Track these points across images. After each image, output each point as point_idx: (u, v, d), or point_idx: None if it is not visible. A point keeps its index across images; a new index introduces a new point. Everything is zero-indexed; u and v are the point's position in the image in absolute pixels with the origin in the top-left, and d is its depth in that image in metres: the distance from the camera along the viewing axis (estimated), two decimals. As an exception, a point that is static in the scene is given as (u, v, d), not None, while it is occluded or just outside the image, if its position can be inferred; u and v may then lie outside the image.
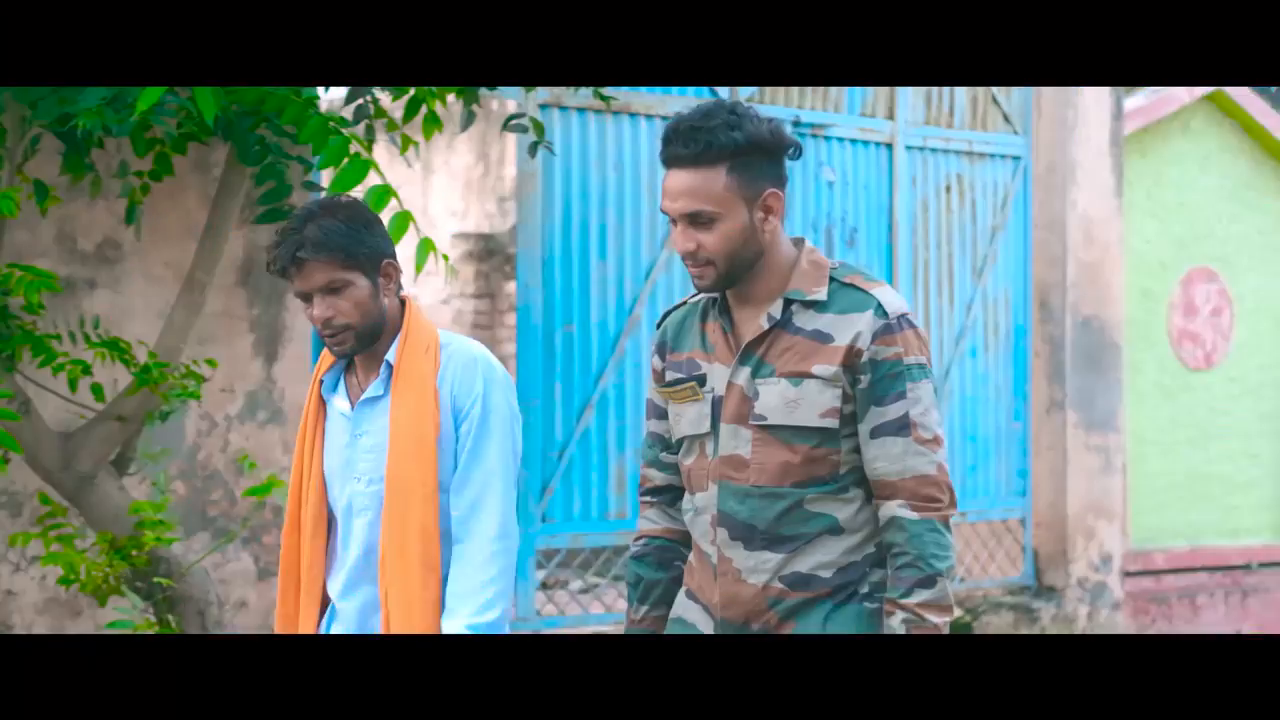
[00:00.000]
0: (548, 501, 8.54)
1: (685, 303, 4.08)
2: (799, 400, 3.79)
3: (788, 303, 3.85)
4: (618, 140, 8.72)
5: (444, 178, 14.95)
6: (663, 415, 4.07)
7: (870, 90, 9.69)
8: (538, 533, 8.52)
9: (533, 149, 7.01)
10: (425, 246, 5.37)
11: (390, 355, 4.28)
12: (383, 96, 6.59)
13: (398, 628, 4.18)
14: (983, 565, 10.37)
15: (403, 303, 4.37)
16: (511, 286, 13.37)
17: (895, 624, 3.75)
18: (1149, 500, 11.44)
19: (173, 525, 6.29)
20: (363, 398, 4.32)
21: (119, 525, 6.23)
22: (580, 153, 8.61)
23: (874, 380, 3.78)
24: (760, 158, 3.78)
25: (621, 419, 8.76)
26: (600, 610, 9.13)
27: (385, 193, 5.51)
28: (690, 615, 4.00)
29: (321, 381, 4.40)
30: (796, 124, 9.29)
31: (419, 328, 4.31)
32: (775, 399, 3.80)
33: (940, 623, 3.74)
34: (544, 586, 9.19)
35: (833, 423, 3.79)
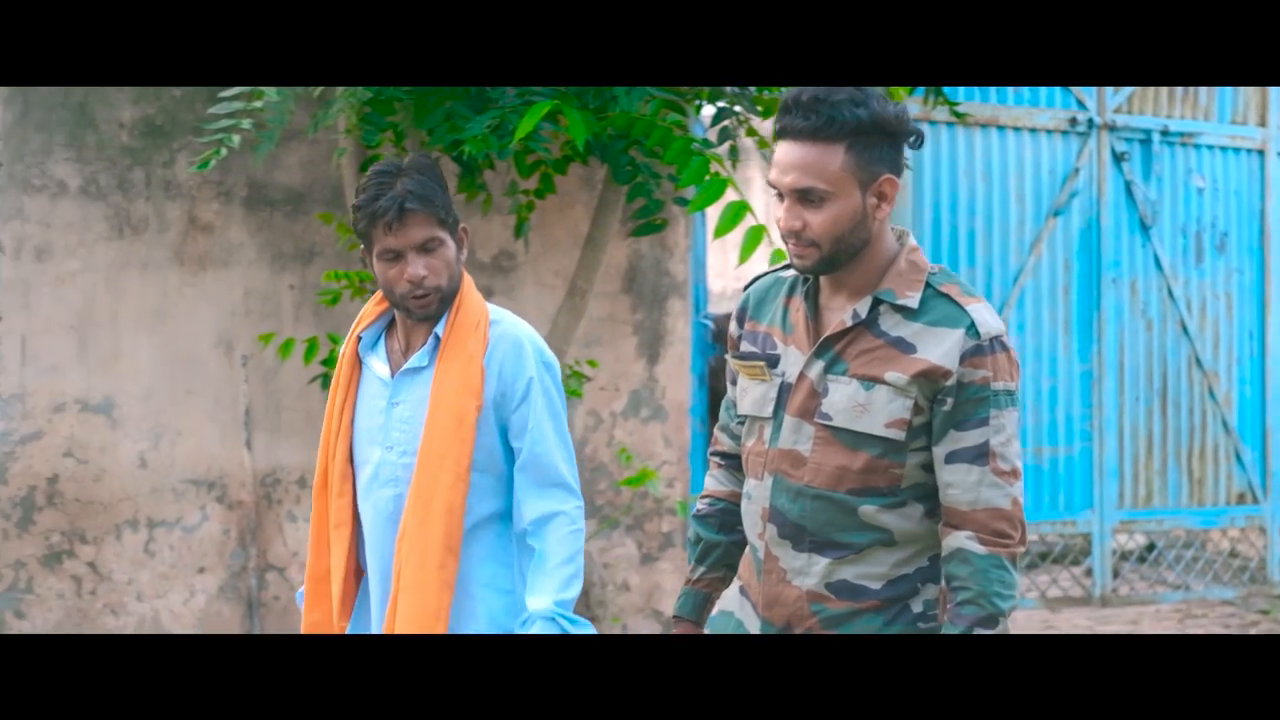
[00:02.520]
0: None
1: (774, 271, 3.86)
2: (867, 406, 3.59)
3: (876, 302, 3.61)
4: (985, 152, 9.21)
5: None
6: (736, 382, 3.85)
7: (1241, 99, 9.90)
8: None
9: (890, 164, 7.48)
10: (755, 234, 5.80)
11: (439, 328, 4.11)
12: (752, 118, 7.08)
13: (406, 605, 4.05)
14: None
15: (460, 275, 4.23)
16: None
17: None
18: None
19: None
20: (405, 366, 4.15)
21: (511, 512, 6.90)
22: (949, 164, 9.12)
23: (957, 404, 3.55)
24: (881, 140, 3.54)
25: (990, 417, 9.20)
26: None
27: (741, 208, 5.99)
28: (740, 613, 3.83)
29: (360, 339, 4.23)
30: (1165, 133, 9.60)
31: (471, 302, 4.15)
32: (843, 400, 3.61)
33: None
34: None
35: (898, 434, 3.58)
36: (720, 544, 3.94)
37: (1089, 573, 9.95)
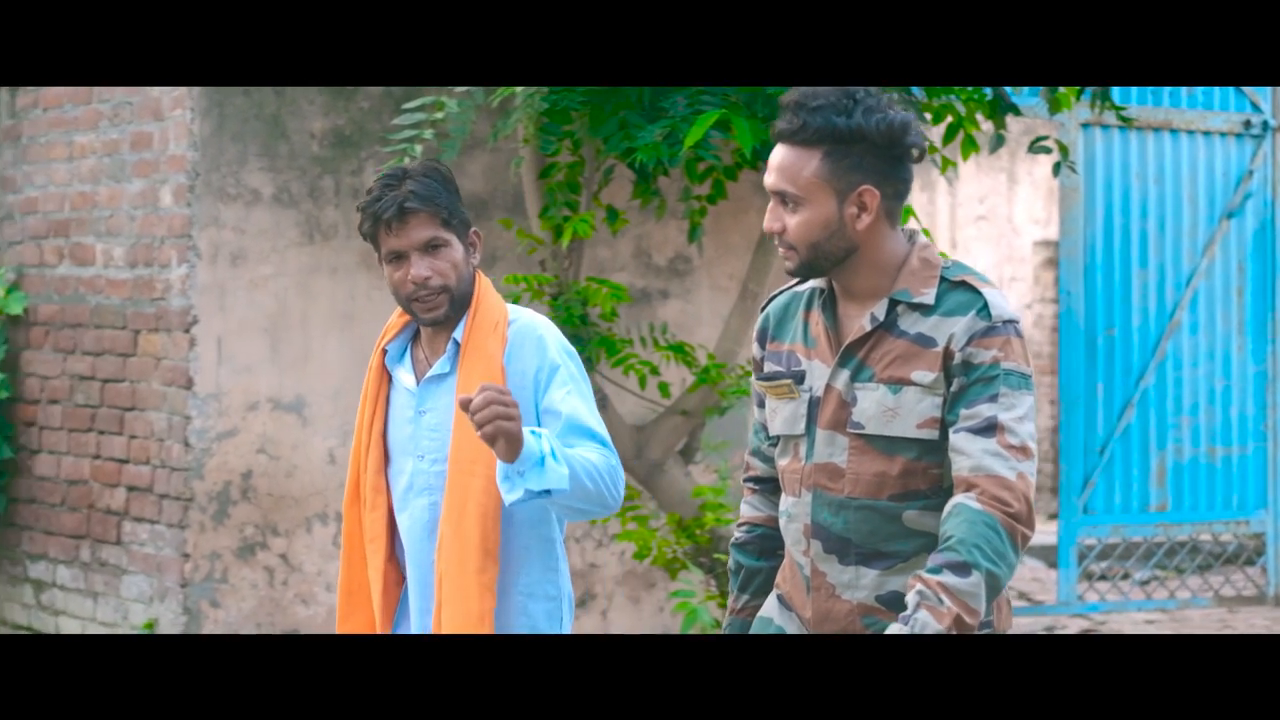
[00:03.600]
0: (1089, 494, 9.18)
1: (791, 288, 3.77)
2: (897, 409, 3.51)
3: (893, 304, 3.54)
4: (1158, 155, 9.32)
5: (1027, 187, 15.54)
6: (763, 404, 3.77)
7: None
8: (1079, 523, 9.17)
9: (1056, 168, 7.60)
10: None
11: (458, 333, 4.08)
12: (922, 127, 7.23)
13: (450, 612, 4.02)
14: None
15: (475, 277, 4.16)
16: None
17: (910, 595, 3.37)
18: None
19: (731, 508, 7.12)
20: (428, 374, 4.12)
21: (685, 507, 7.12)
22: (1121, 167, 9.23)
23: (967, 383, 3.46)
24: (864, 150, 3.47)
25: (1162, 417, 9.36)
26: (1140, 597, 9.70)
27: (904, 213, 6.16)
28: (781, 620, 3.74)
29: (385, 351, 4.20)
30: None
31: (489, 304, 4.10)
32: (873, 406, 3.52)
33: (954, 610, 3.31)
34: (1086, 575, 9.76)
35: (932, 434, 3.49)
36: (761, 570, 3.85)
37: (1264, 572, 9.98)
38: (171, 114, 7.51)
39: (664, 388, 7.12)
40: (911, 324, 3.52)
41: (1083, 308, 9.16)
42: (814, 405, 3.61)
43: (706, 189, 7.21)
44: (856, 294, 3.58)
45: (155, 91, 7.60)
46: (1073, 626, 9.43)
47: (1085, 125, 9.04)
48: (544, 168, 6.90)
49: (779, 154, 3.54)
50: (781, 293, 3.77)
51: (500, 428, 3.71)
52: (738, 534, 3.90)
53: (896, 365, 3.52)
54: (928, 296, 3.52)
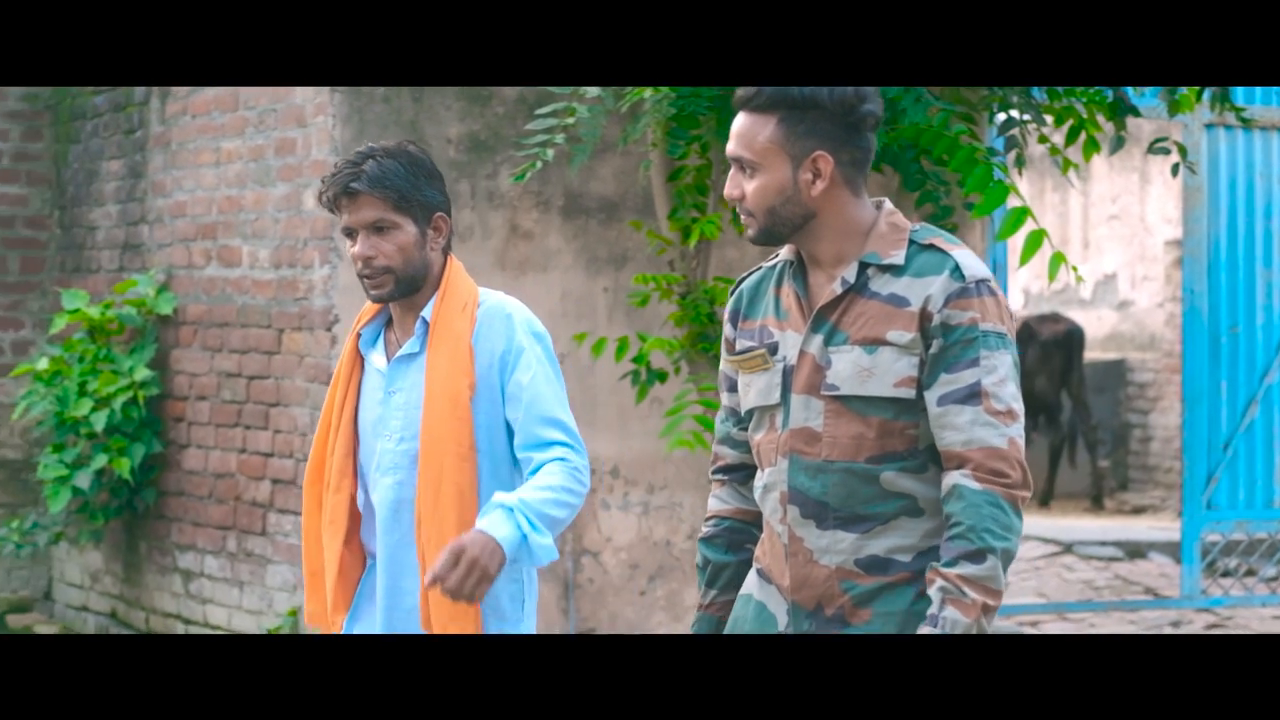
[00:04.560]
0: (1213, 490, 9.28)
1: (761, 267, 3.77)
2: (872, 369, 3.50)
3: (863, 266, 3.55)
4: (1283, 155, 9.40)
5: (1160, 187, 15.56)
6: (734, 388, 3.77)
7: None
8: (1203, 519, 9.28)
9: (1175, 169, 7.70)
10: (1056, 260, 6.18)
11: (426, 312, 4.16)
12: (1044, 129, 7.32)
13: (434, 593, 4.02)
14: None
15: (446, 260, 4.24)
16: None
17: (932, 592, 3.43)
18: None
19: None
20: (398, 354, 4.19)
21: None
22: (1245, 167, 9.33)
23: (945, 346, 3.47)
24: (817, 117, 3.51)
25: (1288, 414, 9.44)
26: (1265, 592, 9.79)
27: (1022, 214, 6.29)
28: (761, 595, 3.71)
29: (360, 335, 4.27)
30: None
31: (457, 286, 4.18)
32: (848, 368, 3.52)
33: (979, 600, 3.40)
34: (1210, 570, 9.85)
35: (908, 392, 3.49)
36: (729, 564, 3.83)
37: None
38: (314, 120, 7.73)
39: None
40: (883, 285, 3.54)
41: (1206, 306, 9.28)
42: (788, 373, 3.60)
43: (832, 190, 7.32)
44: (823, 261, 3.60)
45: (298, 99, 7.83)
46: (1198, 621, 9.51)
47: (1209, 126, 9.17)
48: (672, 171, 7.05)
49: (737, 121, 3.58)
50: (752, 273, 3.79)
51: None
52: (705, 528, 3.88)
53: (871, 326, 3.53)
54: (897, 258, 3.54)
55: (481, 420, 4.13)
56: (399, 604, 4.18)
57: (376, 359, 4.24)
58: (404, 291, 4.14)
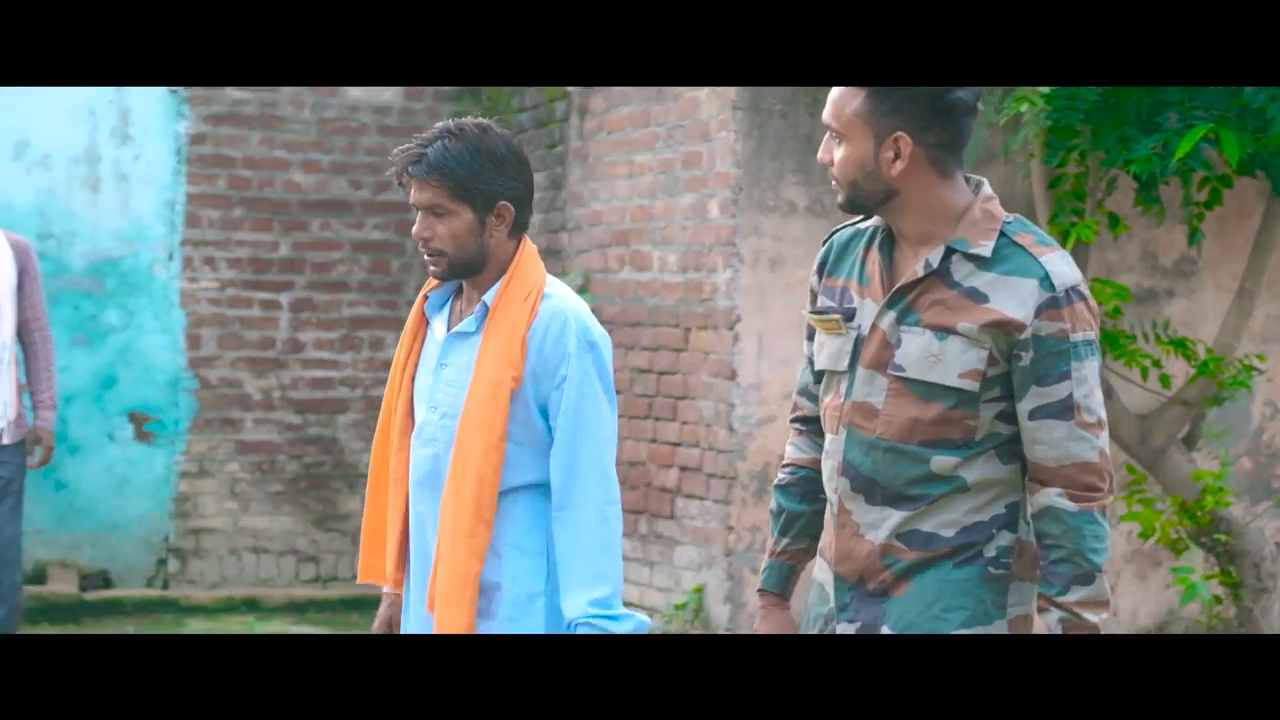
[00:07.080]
0: None
1: (855, 223, 3.72)
2: (940, 356, 3.48)
3: (949, 252, 3.52)
4: None
5: None
6: (813, 337, 3.73)
7: None
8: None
9: None
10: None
11: (488, 297, 4.07)
12: None
13: (441, 572, 4.02)
14: None
15: (518, 246, 4.13)
16: None
17: (1051, 622, 3.45)
18: None
19: (1229, 491, 7.55)
20: (455, 329, 4.12)
21: (1187, 491, 7.57)
22: None
23: (1036, 358, 3.46)
24: (903, 97, 3.48)
25: None
26: None
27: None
28: (821, 575, 3.72)
29: (427, 297, 4.21)
30: None
31: (525, 274, 4.09)
32: (916, 351, 3.51)
33: (1098, 620, 3.46)
34: None
35: (972, 385, 3.48)
36: (803, 514, 3.81)
37: None
38: (718, 135, 8.16)
39: (1165, 379, 7.61)
40: (965, 275, 3.51)
41: None
42: (859, 343, 3.59)
43: (1204, 195, 7.62)
44: (910, 238, 3.58)
45: (704, 116, 8.29)
46: None
47: None
48: (1053, 178, 7.41)
49: (833, 90, 3.57)
50: (845, 227, 3.75)
51: None
52: (781, 475, 3.85)
53: (945, 314, 3.50)
54: (985, 248, 3.51)
55: (520, 413, 4.06)
56: (424, 569, 4.17)
57: (438, 327, 4.19)
58: (458, 274, 4.10)
